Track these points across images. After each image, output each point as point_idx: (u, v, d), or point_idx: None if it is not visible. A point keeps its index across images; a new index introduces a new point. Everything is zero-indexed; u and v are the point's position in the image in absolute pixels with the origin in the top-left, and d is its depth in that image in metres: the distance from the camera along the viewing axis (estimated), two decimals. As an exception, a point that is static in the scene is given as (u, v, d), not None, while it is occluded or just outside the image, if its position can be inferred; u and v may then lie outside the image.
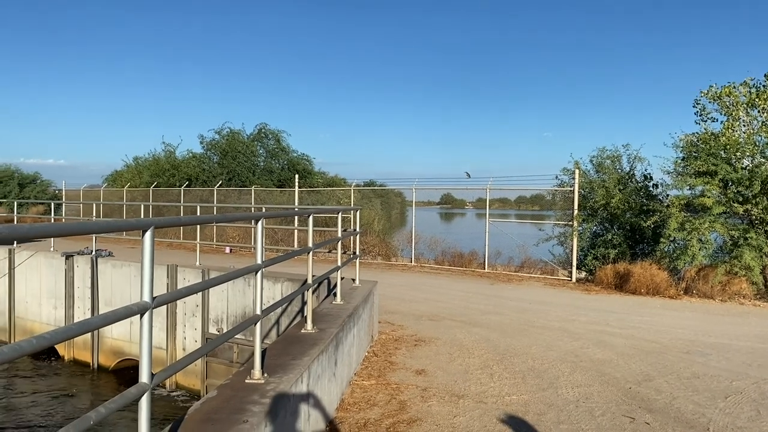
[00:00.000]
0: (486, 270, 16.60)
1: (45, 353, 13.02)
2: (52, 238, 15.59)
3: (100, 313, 12.80)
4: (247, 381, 3.97)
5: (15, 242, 15.26)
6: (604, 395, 5.88)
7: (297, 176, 23.66)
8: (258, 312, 4.10)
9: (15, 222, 22.47)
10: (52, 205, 22.34)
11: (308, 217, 5.79)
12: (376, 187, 27.16)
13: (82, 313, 13.25)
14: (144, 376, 2.65)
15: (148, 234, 2.61)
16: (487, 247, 16.89)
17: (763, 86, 14.25)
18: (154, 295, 2.69)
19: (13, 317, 14.76)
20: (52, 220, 20.57)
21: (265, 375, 4.06)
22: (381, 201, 27.07)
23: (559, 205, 16.95)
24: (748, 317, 10.61)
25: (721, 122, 14.52)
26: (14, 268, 14.77)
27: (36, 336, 2.03)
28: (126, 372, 12.37)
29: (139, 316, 2.62)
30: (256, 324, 4.06)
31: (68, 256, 13.56)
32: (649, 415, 5.34)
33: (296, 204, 22.26)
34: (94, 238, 13.93)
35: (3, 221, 27.08)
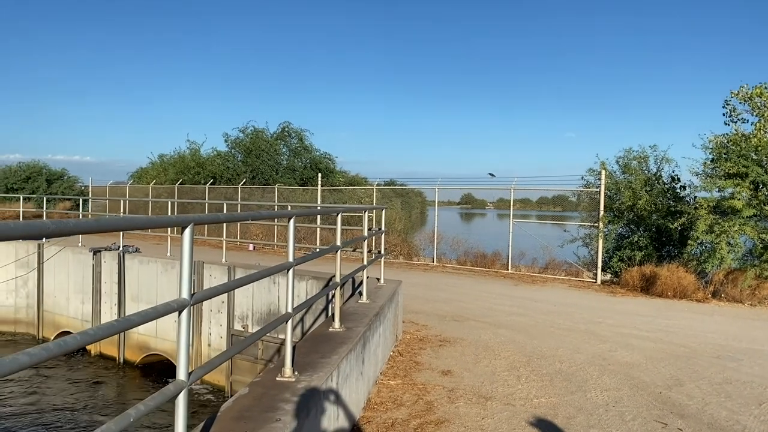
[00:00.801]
0: (509, 271, 16.48)
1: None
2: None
3: (126, 308, 12.97)
4: (278, 379, 3.98)
5: (44, 237, 15.50)
6: (634, 399, 5.80)
7: (320, 175, 23.73)
8: (290, 309, 4.10)
9: (44, 217, 22.86)
10: (80, 201, 22.66)
11: (337, 215, 5.79)
12: (397, 186, 27.13)
13: (108, 308, 13.43)
14: (181, 374, 2.66)
15: (187, 231, 2.62)
16: (510, 247, 16.76)
17: (796, 87, 13.95)
18: (192, 292, 2.70)
19: (42, 311, 15.02)
20: (80, 216, 20.89)
21: (296, 373, 4.06)
22: (401, 200, 27.05)
23: (584, 206, 16.76)
24: (780, 322, 10.40)
25: (752, 123, 14.23)
26: (43, 263, 15.03)
27: (80, 332, 2.04)
28: (151, 367, 12.51)
29: (177, 313, 2.64)
30: (287, 321, 4.07)
31: (96, 252, 13.74)
32: (681, 420, 5.25)
33: (319, 202, 22.32)
34: (121, 234, 14.10)
35: (31, 216, 27.55)
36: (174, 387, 2.63)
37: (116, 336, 12.94)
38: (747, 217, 12.22)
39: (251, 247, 20.42)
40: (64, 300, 14.51)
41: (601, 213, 15.01)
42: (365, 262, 7.19)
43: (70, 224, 2.06)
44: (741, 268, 12.52)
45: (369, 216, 15.19)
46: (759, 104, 14.24)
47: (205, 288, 9.72)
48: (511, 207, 17.21)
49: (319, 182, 22.74)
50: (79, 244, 15.12)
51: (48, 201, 29.71)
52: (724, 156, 13.08)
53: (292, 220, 4.06)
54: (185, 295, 2.65)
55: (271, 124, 36.86)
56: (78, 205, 26.05)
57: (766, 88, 14.25)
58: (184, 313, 2.64)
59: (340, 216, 5.76)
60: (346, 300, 7.82)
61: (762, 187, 12.59)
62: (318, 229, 19.74)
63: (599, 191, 15.19)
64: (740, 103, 14.73)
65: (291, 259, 4.05)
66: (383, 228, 9.34)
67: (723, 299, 12.29)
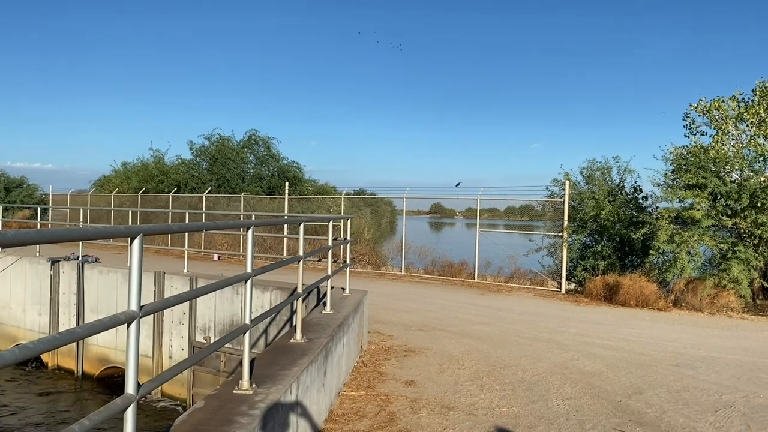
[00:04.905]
0: (476, 280, 16.57)
1: (29, 360, 12.82)
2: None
3: (85, 319, 12.64)
4: (235, 392, 3.90)
5: None
6: (594, 408, 5.85)
7: (287, 184, 23.57)
8: (247, 321, 4.04)
9: (0, 227, 22.21)
10: (39, 209, 22.09)
11: (299, 225, 5.73)
12: (366, 196, 27.13)
13: (67, 319, 13.07)
14: (130, 387, 2.58)
15: (136, 241, 2.55)
16: (477, 257, 16.87)
17: (752, 101, 14.41)
18: (141, 304, 2.63)
19: (-3, 323, 14.54)
20: (38, 225, 20.34)
21: (254, 386, 3.99)
22: (371, 209, 27.05)
23: (549, 216, 16.99)
24: (737, 330, 10.64)
25: (711, 135, 14.67)
26: (-1, 273, 14.57)
27: (20, 346, 1.97)
28: (111, 380, 12.20)
29: (126, 325, 2.56)
30: (245, 333, 4.00)
31: (54, 262, 13.38)
32: (640, 428, 5.31)
33: (286, 212, 22.16)
34: (80, 243, 13.75)
35: (-12, 225, 26.73)
36: (122, 401, 2.55)
37: (74, 348, 12.61)
38: (706, 227, 12.52)
39: (216, 257, 20.15)
40: (21, 312, 14.08)
41: (565, 223, 15.23)
42: (329, 272, 7.14)
43: (8, 235, 1.99)
44: (700, 278, 12.81)
45: (336, 225, 15.07)
46: (717, 117, 14.69)
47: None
48: (478, 217, 17.33)
49: (287, 191, 22.58)
50: (37, 254, 14.72)
51: (6, 210, 28.89)
52: (684, 167, 13.41)
53: (250, 230, 4.00)
54: (134, 307, 2.58)
55: (237, 132, 36.51)
56: (37, 214, 25.37)
57: (723, 101, 14.69)
58: (133, 325, 2.56)
59: (302, 226, 5.71)
60: (311, 311, 7.76)
61: (720, 198, 12.91)
62: (285, 239, 19.59)
63: (563, 201, 15.41)
64: (699, 116, 15.17)
65: (249, 269, 3.99)
66: (349, 238, 9.29)
67: (683, 308, 12.54)
